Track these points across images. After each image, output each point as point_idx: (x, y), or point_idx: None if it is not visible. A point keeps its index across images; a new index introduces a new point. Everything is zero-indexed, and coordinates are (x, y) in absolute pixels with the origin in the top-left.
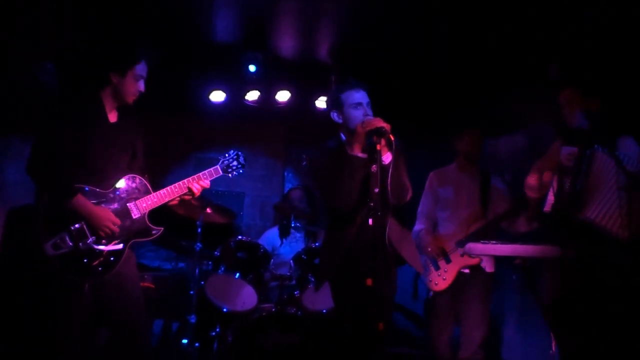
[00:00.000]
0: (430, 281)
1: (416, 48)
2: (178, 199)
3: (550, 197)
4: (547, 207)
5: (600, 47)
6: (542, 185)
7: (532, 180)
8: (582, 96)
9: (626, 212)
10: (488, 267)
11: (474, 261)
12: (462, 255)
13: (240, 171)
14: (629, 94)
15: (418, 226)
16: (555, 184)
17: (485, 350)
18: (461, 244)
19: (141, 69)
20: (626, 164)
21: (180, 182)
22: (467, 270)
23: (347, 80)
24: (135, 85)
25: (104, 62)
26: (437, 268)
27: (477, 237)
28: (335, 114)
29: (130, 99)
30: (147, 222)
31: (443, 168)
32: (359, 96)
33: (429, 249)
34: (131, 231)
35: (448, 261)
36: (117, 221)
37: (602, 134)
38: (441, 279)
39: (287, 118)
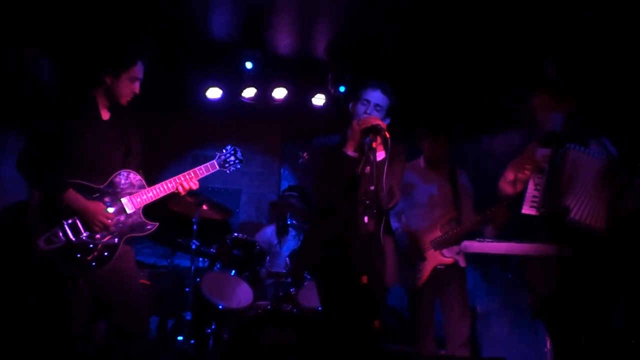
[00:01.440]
0: (405, 279)
1: (413, 46)
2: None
3: (528, 198)
4: (525, 210)
5: (597, 47)
6: (516, 184)
7: (507, 178)
8: (554, 100)
9: (605, 201)
10: (462, 262)
11: (447, 260)
12: (458, 253)
13: (238, 166)
14: (615, 95)
15: (393, 224)
16: (532, 186)
17: (470, 344)
18: (435, 244)
19: (137, 70)
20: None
21: (176, 177)
22: (442, 267)
23: (373, 79)
24: (130, 87)
25: (98, 63)
26: (412, 266)
27: (451, 240)
28: (351, 104)
29: (124, 100)
30: (142, 217)
31: (410, 163)
32: (372, 95)
33: (405, 248)
34: (125, 226)
35: (422, 259)
36: (111, 215)
37: (577, 134)
38: (416, 277)
39: (284, 115)
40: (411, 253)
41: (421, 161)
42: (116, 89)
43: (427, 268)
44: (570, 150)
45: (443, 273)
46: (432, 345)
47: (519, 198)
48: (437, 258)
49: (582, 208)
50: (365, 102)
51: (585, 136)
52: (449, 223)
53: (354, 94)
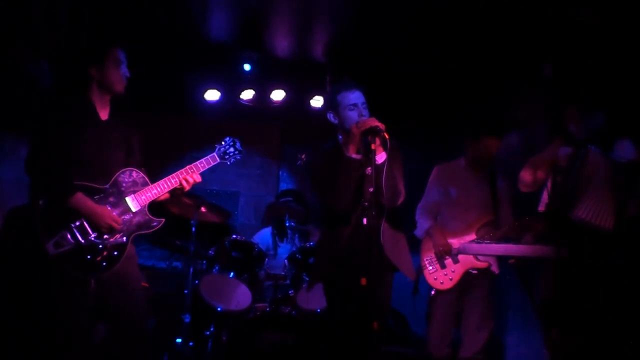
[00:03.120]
0: (436, 279)
1: (412, 48)
2: (169, 195)
3: (545, 197)
4: (541, 207)
5: (594, 47)
6: (535, 182)
7: (526, 175)
8: (582, 114)
9: (615, 201)
10: (495, 267)
11: (482, 264)
12: (476, 258)
13: (238, 157)
14: (627, 96)
15: (425, 223)
16: (549, 184)
17: (487, 353)
18: None
19: (117, 53)
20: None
21: (178, 173)
22: (475, 271)
23: (342, 81)
24: (118, 72)
25: (80, 58)
26: (444, 267)
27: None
28: (331, 115)
29: (118, 86)
30: (148, 214)
31: (449, 163)
32: (354, 97)
33: (439, 247)
34: (132, 224)
35: (455, 261)
36: (118, 219)
37: (598, 136)
38: (447, 279)
39: (282, 117)
40: (442, 253)
41: (462, 161)
42: (106, 78)
43: (460, 270)
44: (591, 152)
45: (474, 277)
46: (446, 350)
47: (536, 197)
48: (470, 261)
49: (593, 208)
50: (352, 107)
51: (605, 137)
52: (485, 226)
53: (331, 104)
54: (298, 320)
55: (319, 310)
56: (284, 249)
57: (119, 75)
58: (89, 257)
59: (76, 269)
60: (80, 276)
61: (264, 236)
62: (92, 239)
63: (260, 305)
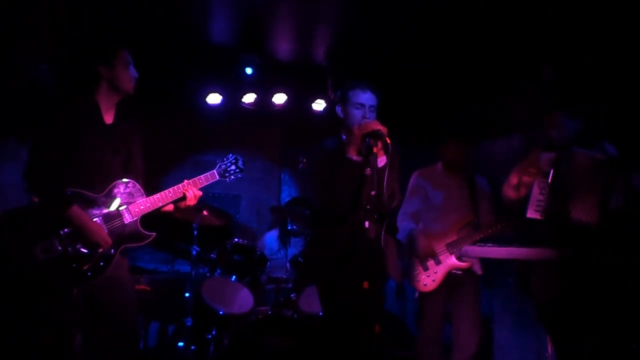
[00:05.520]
0: (419, 282)
1: (413, 51)
2: (172, 204)
3: (533, 202)
4: (530, 214)
5: (594, 49)
6: (521, 185)
7: (512, 180)
8: (567, 116)
9: (599, 197)
10: (478, 269)
11: (464, 264)
12: (458, 258)
13: (239, 175)
14: (618, 99)
15: (407, 224)
16: (537, 190)
17: (479, 355)
18: (452, 247)
19: (126, 54)
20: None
21: (175, 187)
22: (458, 272)
23: (359, 80)
24: (127, 72)
25: (89, 58)
26: (426, 269)
27: (468, 244)
28: (339, 108)
29: (129, 86)
30: (139, 227)
31: (427, 168)
32: (364, 97)
33: (422, 250)
34: (122, 236)
35: (438, 262)
36: (108, 239)
37: (581, 138)
38: (430, 280)
39: (284, 121)
40: (425, 255)
41: (439, 165)
42: (117, 77)
43: (442, 271)
44: (576, 154)
45: (458, 279)
46: (438, 352)
47: (523, 203)
48: (452, 262)
49: (583, 207)
50: (359, 106)
51: (588, 139)
52: (466, 227)
53: (341, 97)
54: (300, 323)
55: (321, 313)
56: (287, 252)
57: (129, 75)
58: (74, 265)
59: (61, 276)
60: (63, 284)
61: (270, 239)
62: (79, 247)
63: (262, 308)
